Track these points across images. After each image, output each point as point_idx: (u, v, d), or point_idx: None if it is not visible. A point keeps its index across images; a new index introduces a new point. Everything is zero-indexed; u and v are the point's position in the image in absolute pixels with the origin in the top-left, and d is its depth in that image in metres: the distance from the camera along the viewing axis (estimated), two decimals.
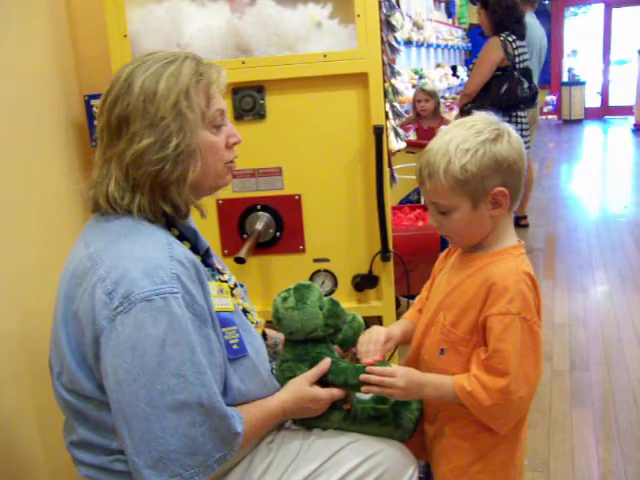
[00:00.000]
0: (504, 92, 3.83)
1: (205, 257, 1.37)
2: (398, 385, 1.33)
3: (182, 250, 1.22)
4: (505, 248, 1.35)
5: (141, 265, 1.15)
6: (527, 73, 3.93)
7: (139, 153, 1.20)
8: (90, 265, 1.19)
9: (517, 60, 3.88)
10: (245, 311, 1.42)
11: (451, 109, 5.80)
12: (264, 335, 1.51)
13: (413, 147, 3.69)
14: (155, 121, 1.20)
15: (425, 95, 4.85)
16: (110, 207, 1.24)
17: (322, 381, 1.40)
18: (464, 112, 3.90)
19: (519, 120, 4.00)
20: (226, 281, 1.40)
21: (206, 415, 1.15)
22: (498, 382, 1.26)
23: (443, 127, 4.63)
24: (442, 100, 6.62)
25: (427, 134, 4.46)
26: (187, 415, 1.13)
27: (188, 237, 1.33)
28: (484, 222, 1.33)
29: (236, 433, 1.20)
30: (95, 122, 1.29)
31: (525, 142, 4.28)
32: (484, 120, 1.32)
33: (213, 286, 1.29)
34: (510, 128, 1.32)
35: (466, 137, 1.28)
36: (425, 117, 4.87)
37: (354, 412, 1.42)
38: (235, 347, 1.28)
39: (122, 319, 1.12)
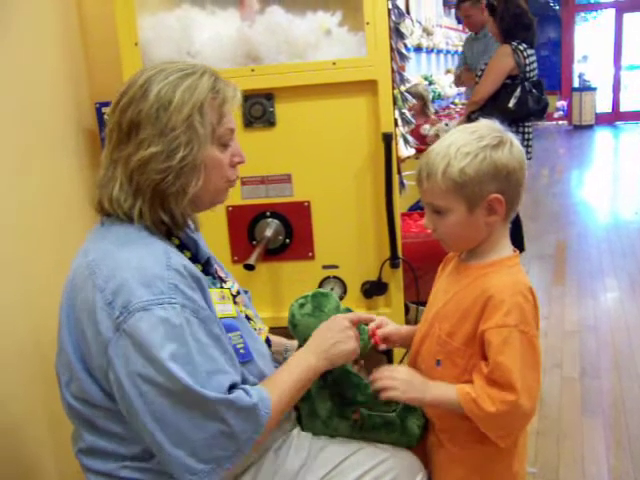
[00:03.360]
0: (515, 104, 3.80)
1: (206, 266, 1.37)
2: (398, 378, 1.35)
3: (180, 260, 1.22)
4: (500, 259, 1.35)
5: (138, 275, 1.15)
6: (538, 85, 3.91)
7: (145, 160, 1.21)
8: (88, 274, 1.19)
9: (527, 69, 3.86)
10: (248, 318, 1.43)
11: (461, 115, 5.79)
12: (268, 342, 1.51)
13: (422, 154, 3.67)
14: (165, 131, 1.21)
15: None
16: (113, 210, 1.25)
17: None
18: (471, 120, 3.88)
19: (525, 130, 3.99)
20: (228, 289, 1.40)
21: (226, 408, 1.15)
22: (505, 396, 1.25)
23: (426, 126, 4.51)
24: (452, 105, 6.63)
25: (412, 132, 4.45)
26: (208, 408, 1.14)
27: (189, 247, 1.34)
28: (478, 228, 1.33)
29: (258, 415, 1.19)
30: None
31: (528, 152, 4.25)
32: (487, 127, 1.33)
33: (215, 293, 1.30)
34: (513, 137, 1.33)
35: (468, 141, 1.29)
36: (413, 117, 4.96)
37: (361, 421, 1.42)
38: (242, 352, 1.29)
39: (123, 328, 1.13)
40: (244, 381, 1.25)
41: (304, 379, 1.32)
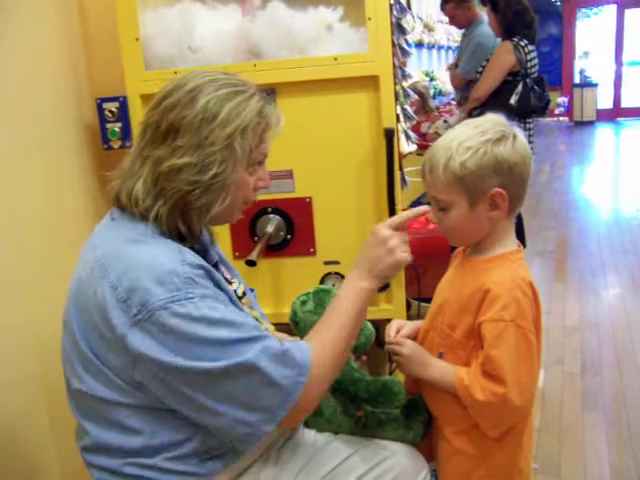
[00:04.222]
0: (517, 100, 3.80)
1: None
2: (402, 352, 1.41)
3: (193, 258, 1.21)
4: (502, 254, 1.35)
5: (153, 272, 1.14)
6: (540, 82, 3.91)
7: (176, 168, 1.19)
8: (98, 270, 1.18)
9: (528, 65, 3.86)
10: (254, 319, 1.42)
11: (462, 111, 5.79)
12: None
13: (424, 150, 3.66)
14: (204, 144, 1.19)
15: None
16: (129, 205, 1.23)
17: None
18: (473, 117, 3.87)
19: (527, 127, 3.98)
20: (234, 290, 1.40)
21: (258, 359, 1.14)
22: (495, 388, 1.27)
23: (424, 124, 4.48)
24: (452, 102, 6.61)
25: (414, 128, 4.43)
26: (242, 370, 1.14)
27: (197, 250, 1.32)
28: (481, 222, 1.33)
29: (306, 368, 1.19)
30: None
31: (530, 149, 4.23)
32: (492, 121, 1.34)
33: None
34: (518, 132, 1.33)
35: (470, 136, 1.30)
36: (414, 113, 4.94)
37: (365, 418, 1.42)
38: None
39: (142, 327, 1.13)
40: None
41: (358, 308, 1.29)
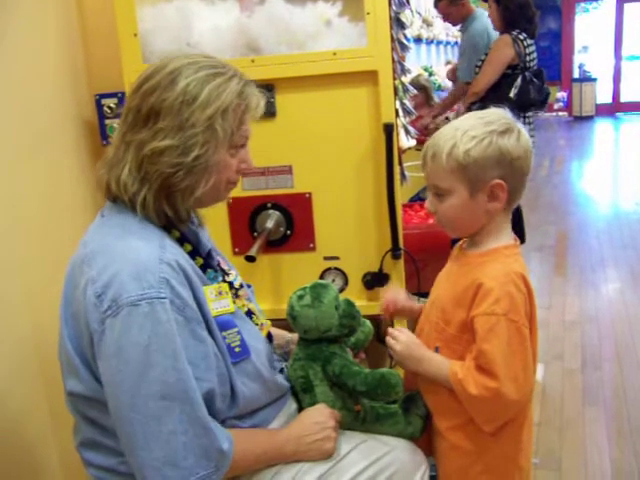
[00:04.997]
0: (516, 94, 3.79)
1: (207, 259, 1.36)
2: (395, 348, 1.40)
3: (174, 255, 1.21)
4: (496, 248, 1.35)
5: (131, 268, 1.15)
6: (540, 75, 3.90)
7: (158, 151, 1.20)
8: (84, 266, 1.19)
9: (527, 59, 3.85)
10: (250, 313, 1.42)
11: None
12: (269, 337, 1.50)
13: (423, 144, 3.65)
14: (185, 126, 1.20)
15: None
16: (119, 192, 1.23)
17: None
18: (472, 111, 3.85)
19: (527, 121, 3.98)
20: (231, 282, 1.39)
21: (188, 424, 1.13)
22: (488, 382, 1.27)
23: (425, 119, 4.48)
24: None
25: (415, 122, 4.44)
26: (169, 422, 1.12)
27: (189, 239, 1.33)
28: (478, 213, 1.33)
29: (221, 450, 1.17)
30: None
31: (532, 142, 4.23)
32: (497, 114, 1.34)
33: (211, 290, 1.28)
34: (522, 127, 1.33)
35: (475, 125, 1.30)
36: (416, 108, 4.94)
37: (364, 413, 1.42)
38: (237, 350, 1.28)
39: (110, 323, 1.13)
40: (232, 386, 1.25)
41: (270, 458, 1.31)
